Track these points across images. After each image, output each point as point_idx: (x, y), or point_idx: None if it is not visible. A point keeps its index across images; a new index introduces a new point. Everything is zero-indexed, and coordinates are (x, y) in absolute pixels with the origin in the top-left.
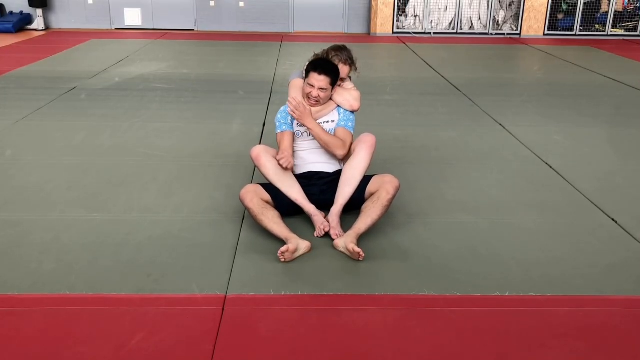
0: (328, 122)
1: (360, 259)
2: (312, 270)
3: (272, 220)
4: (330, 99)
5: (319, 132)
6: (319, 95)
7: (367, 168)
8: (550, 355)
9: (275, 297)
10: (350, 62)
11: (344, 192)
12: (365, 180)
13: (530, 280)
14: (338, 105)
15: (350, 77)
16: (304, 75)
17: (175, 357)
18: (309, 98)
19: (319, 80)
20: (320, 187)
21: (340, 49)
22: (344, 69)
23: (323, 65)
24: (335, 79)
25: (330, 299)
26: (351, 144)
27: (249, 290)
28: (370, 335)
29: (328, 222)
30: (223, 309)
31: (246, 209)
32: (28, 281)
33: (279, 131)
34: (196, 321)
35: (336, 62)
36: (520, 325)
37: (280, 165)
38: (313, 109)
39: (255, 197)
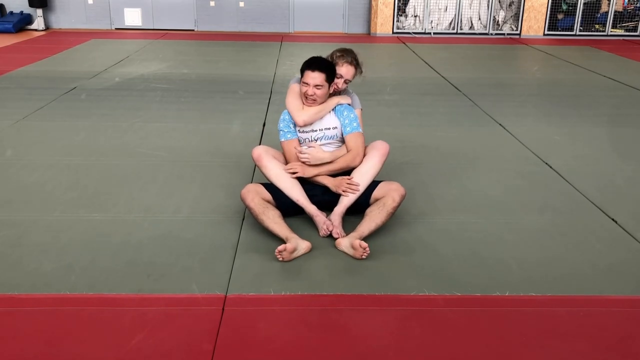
0: (329, 128)
1: (363, 256)
2: (313, 270)
3: (273, 220)
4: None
5: (329, 169)
6: (315, 94)
7: (376, 175)
8: (550, 355)
9: (275, 297)
10: (356, 64)
11: (349, 195)
12: (372, 185)
13: (530, 280)
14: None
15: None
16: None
17: (175, 357)
18: (306, 98)
19: (314, 77)
20: (322, 187)
21: (346, 51)
22: (349, 70)
23: (317, 62)
24: (330, 75)
25: (330, 299)
26: (364, 144)
27: (249, 290)
28: (370, 335)
29: (331, 221)
30: (223, 309)
31: (247, 208)
32: (28, 281)
33: (283, 139)
34: (196, 321)
35: (341, 63)
36: (520, 325)
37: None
38: (312, 109)
39: (256, 197)
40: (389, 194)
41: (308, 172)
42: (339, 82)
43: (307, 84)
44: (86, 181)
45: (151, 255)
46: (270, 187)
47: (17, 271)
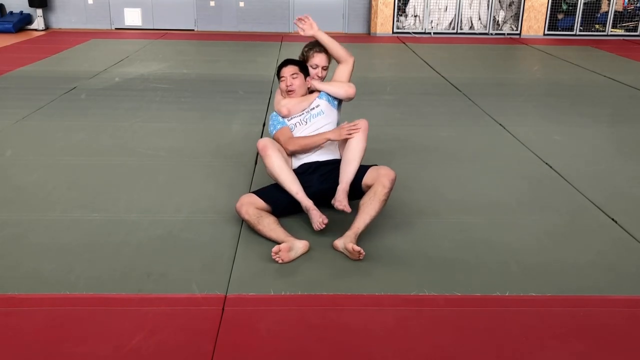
0: (313, 108)
1: (360, 258)
2: (312, 270)
3: (269, 227)
4: (312, 92)
5: (328, 40)
6: (292, 83)
7: (364, 149)
8: (550, 355)
9: (275, 297)
10: (325, 50)
11: (347, 171)
12: (362, 170)
13: (530, 280)
14: (319, 93)
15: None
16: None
17: (175, 357)
18: (288, 92)
19: (288, 70)
20: (318, 176)
21: (312, 44)
22: (322, 57)
23: (288, 60)
24: (303, 66)
25: (330, 299)
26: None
27: (249, 290)
28: (370, 335)
29: (325, 217)
30: (223, 309)
31: (243, 220)
32: (28, 281)
33: (275, 131)
34: (196, 321)
35: (312, 54)
36: (520, 325)
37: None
38: (294, 99)
39: (250, 208)
40: (379, 180)
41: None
42: (318, 72)
43: (283, 77)
44: (86, 181)
45: (151, 255)
46: (264, 194)
47: (17, 271)
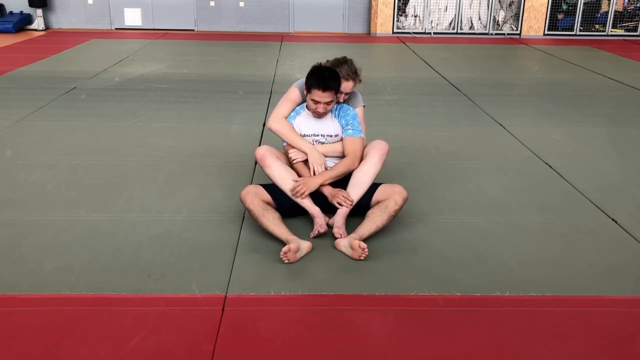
0: (332, 135)
1: (362, 257)
2: (313, 270)
3: (273, 222)
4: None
5: (330, 176)
6: (326, 109)
7: (377, 174)
8: (550, 355)
9: (275, 297)
10: (353, 76)
11: (352, 194)
12: (373, 187)
13: (530, 280)
14: (335, 109)
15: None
16: (304, 90)
17: (175, 357)
18: (318, 113)
19: (324, 96)
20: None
21: (340, 64)
22: (346, 85)
23: (325, 80)
24: (339, 87)
25: (330, 299)
26: (364, 146)
27: (249, 290)
28: (370, 335)
29: (328, 226)
30: (223, 309)
31: (247, 210)
32: (28, 281)
33: (285, 144)
34: (196, 321)
35: None
36: (520, 325)
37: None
38: (289, 131)
39: (255, 198)
40: (392, 197)
41: (312, 186)
42: (340, 98)
43: (317, 102)
44: (86, 181)
45: (151, 255)
46: (271, 188)
47: (17, 271)
